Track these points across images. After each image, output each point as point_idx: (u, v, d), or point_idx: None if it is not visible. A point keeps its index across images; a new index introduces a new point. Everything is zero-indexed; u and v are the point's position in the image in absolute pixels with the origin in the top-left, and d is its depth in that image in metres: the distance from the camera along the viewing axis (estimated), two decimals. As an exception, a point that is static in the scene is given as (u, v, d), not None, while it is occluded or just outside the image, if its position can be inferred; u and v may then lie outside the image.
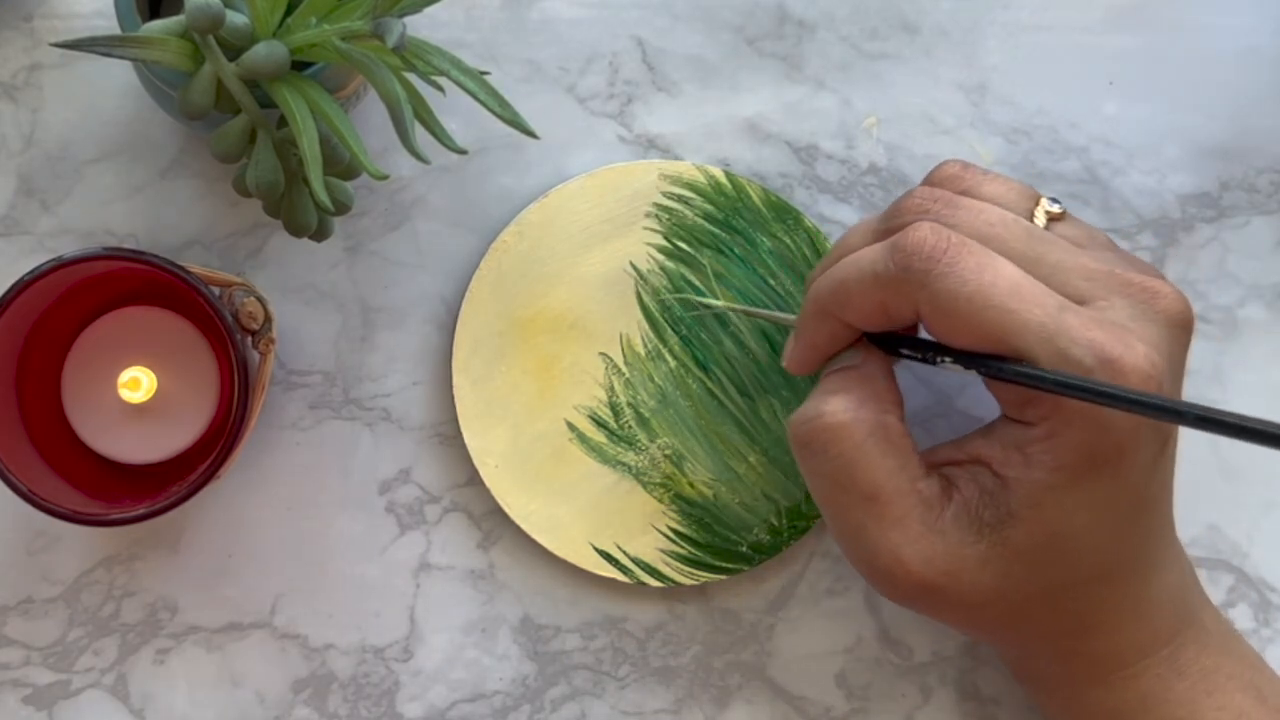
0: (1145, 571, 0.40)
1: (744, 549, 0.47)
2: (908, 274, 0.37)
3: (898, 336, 0.40)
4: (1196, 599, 0.42)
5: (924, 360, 0.39)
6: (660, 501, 0.47)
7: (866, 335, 0.41)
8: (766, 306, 0.47)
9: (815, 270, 0.43)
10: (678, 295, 0.47)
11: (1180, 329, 0.38)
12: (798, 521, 0.47)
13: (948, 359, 0.39)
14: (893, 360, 0.41)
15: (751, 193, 0.47)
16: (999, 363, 0.37)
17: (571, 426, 0.47)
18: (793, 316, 0.44)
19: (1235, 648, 0.41)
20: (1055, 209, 0.41)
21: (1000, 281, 0.37)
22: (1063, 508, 0.37)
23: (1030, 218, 0.40)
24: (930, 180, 0.42)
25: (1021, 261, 0.38)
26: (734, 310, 0.47)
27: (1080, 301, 0.38)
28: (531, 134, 0.39)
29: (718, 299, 0.47)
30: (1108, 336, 0.36)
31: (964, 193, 0.40)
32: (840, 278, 0.39)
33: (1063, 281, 0.38)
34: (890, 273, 0.38)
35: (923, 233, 0.37)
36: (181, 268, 0.40)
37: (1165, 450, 0.39)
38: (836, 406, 0.39)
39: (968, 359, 0.38)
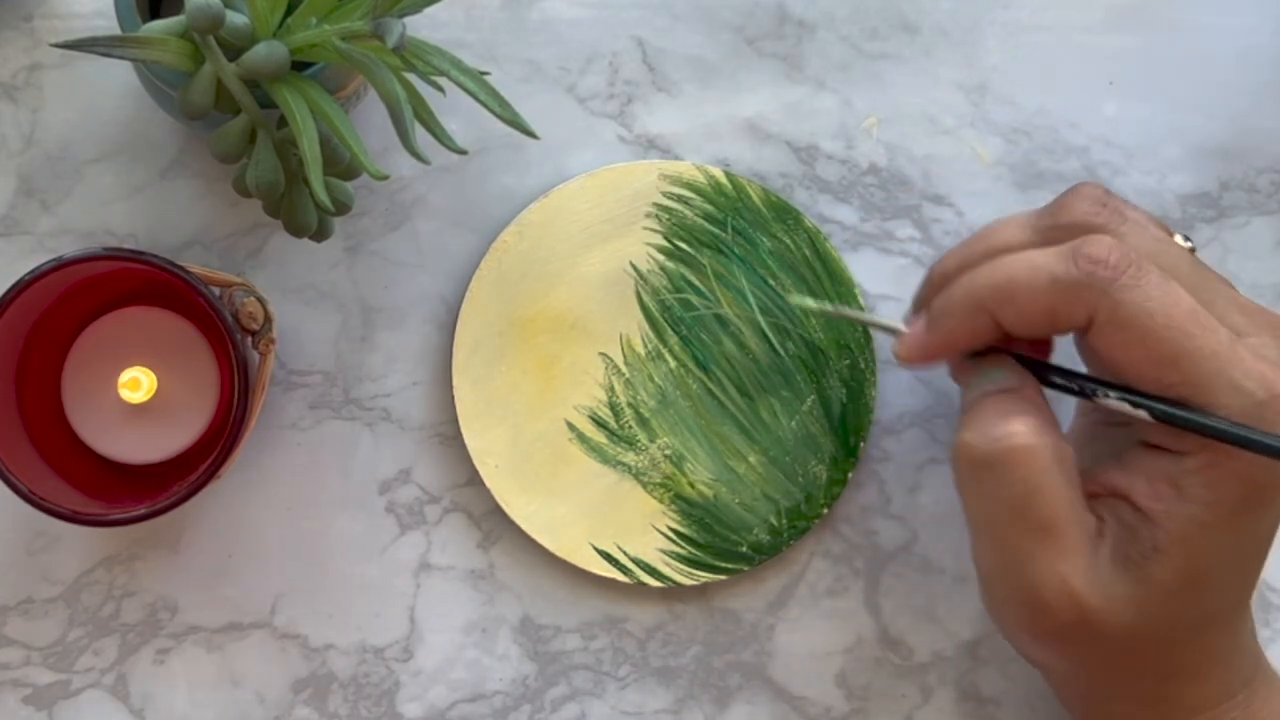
0: (1243, 616, 0.39)
1: (744, 549, 0.47)
2: (1091, 280, 0.36)
3: (1049, 365, 0.39)
4: (1259, 646, 0.41)
5: (1079, 393, 0.38)
6: (660, 501, 0.47)
7: (1018, 359, 0.40)
8: (766, 307, 0.47)
9: (949, 258, 0.41)
10: (795, 298, 0.46)
11: None
12: (798, 521, 0.47)
13: (1112, 394, 0.38)
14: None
15: (751, 193, 0.47)
16: (1171, 407, 0.36)
17: (571, 426, 0.47)
18: (897, 323, 0.42)
19: None
20: (1188, 245, 0.40)
21: (1182, 305, 0.36)
22: (1213, 543, 0.36)
23: None
24: (1073, 195, 0.40)
25: (1188, 285, 0.37)
26: (829, 313, 0.46)
27: (1236, 335, 0.37)
28: (531, 134, 0.39)
29: (719, 300, 0.47)
30: (1275, 373, 0.36)
31: (1117, 212, 0.39)
32: (1008, 274, 0.38)
33: (1221, 313, 0.37)
34: (1071, 277, 0.37)
35: (1108, 244, 0.37)
36: (181, 268, 0.40)
37: None
38: (1023, 428, 0.37)
39: (1136, 397, 0.37)
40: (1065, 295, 0.37)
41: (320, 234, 0.42)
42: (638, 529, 0.47)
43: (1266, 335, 0.37)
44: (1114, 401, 0.38)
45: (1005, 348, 0.40)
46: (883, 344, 0.48)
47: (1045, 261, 0.37)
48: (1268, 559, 0.39)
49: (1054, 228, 0.39)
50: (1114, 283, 0.36)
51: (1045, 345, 0.41)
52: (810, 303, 0.46)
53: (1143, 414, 0.37)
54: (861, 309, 0.47)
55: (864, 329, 0.47)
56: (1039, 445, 0.37)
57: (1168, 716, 0.40)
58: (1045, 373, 0.39)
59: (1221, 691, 0.39)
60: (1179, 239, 0.40)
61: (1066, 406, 0.43)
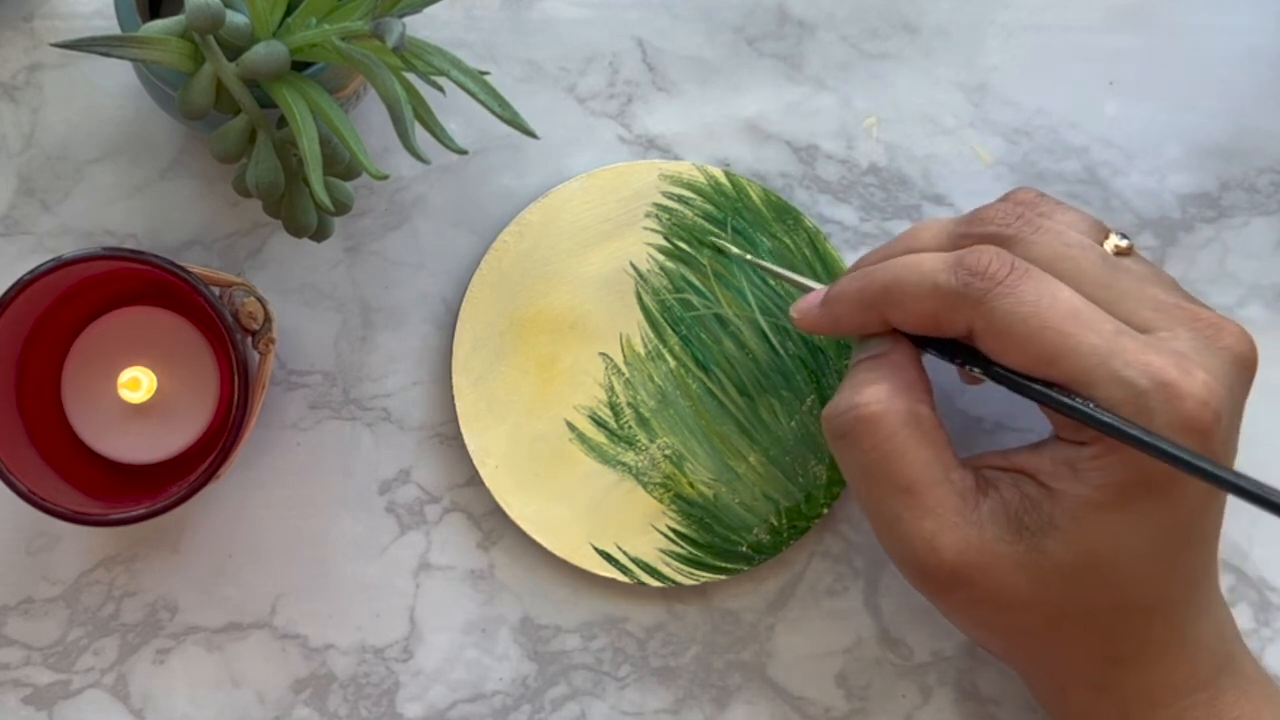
0: (1186, 610, 0.40)
1: (744, 549, 0.47)
2: (967, 290, 0.38)
3: (925, 337, 0.40)
4: (1237, 646, 0.41)
5: (951, 362, 0.40)
6: (660, 501, 0.47)
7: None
8: (766, 310, 0.47)
9: (871, 254, 0.43)
10: (713, 240, 0.47)
11: (1243, 368, 0.38)
12: (798, 521, 0.47)
13: (974, 367, 0.39)
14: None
15: (751, 193, 0.47)
16: (1025, 380, 0.38)
17: (571, 426, 0.47)
18: (811, 282, 0.44)
19: (1274, 696, 0.41)
20: (1123, 243, 0.41)
21: (1059, 305, 0.37)
22: (1107, 527, 0.37)
23: None
24: (1003, 201, 0.42)
25: (1093, 285, 0.38)
26: (758, 265, 0.46)
27: (1144, 330, 0.38)
28: (531, 134, 0.39)
29: (719, 300, 0.47)
30: (1166, 361, 0.36)
31: (1037, 217, 0.41)
32: (897, 276, 0.39)
33: (1130, 309, 0.38)
34: (950, 285, 0.38)
35: (989, 255, 0.38)
36: (181, 268, 0.40)
37: (1217, 491, 0.39)
38: (870, 397, 0.39)
39: (995, 370, 0.39)
40: (945, 303, 0.38)
41: (320, 234, 0.42)
42: (638, 529, 0.47)
43: (1181, 329, 0.38)
44: (977, 374, 0.39)
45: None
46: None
47: (931, 268, 0.39)
48: (1208, 555, 0.40)
49: (966, 235, 0.40)
50: (989, 292, 0.38)
51: None
52: (734, 250, 0.47)
53: (989, 380, 0.39)
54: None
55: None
56: (887, 410, 0.39)
57: (1126, 707, 0.40)
58: (922, 344, 0.41)
59: (1179, 685, 0.40)
60: (1115, 238, 0.41)
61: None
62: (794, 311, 0.43)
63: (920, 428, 0.39)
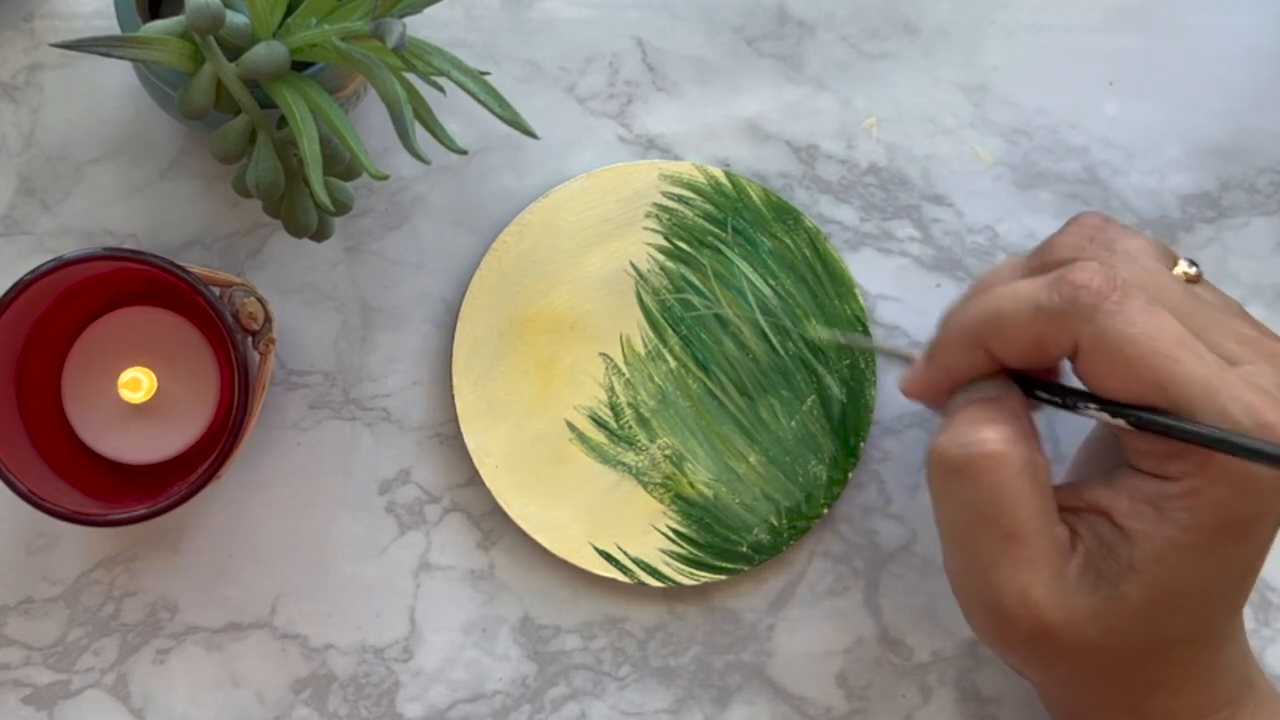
0: (1225, 637, 0.39)
1: (744, 549, 0.47)
2: (1074, 307, 0.36)
3: (1034, 379, 0.40)
4: (1252, 662, 0.41)
5: (1063, 406, 0.39)
6: (660, 501, 0.47)
7: (1010, 374, 0.40)
8: (766, 310, 0.47)
9: (952, 304, 0.42)
10: (814, 330, 0.46)
11: None
12: (798, 521, 0.47)
13: (1093, 405, 0.38)
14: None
15: (751, 193, 0.47)
16: (1149, 414, 0.36)
17: (571, 426, 0.47)
18: (912, 350, 0.43)
19: None
20: (1192, 271, 0.40)
21: (1168, 329, 0.36)
22: (1187, 569, 0.37)
23: None
24: (1071, 227, 0.41)
25: (1177, 315, 0.37)
26: (855, 346, 0.46)
27: (1231, 363, 0.37)
28: (531, 134, 0.39)
29: (719, 300, 0.47)
30: (1263, 402, 0.36)
31: (1109, 242, 0.40)
32: (995, 307, 0.38)
33: (1215, 341, 0.37)
34: (1054, 304, 0.37)
35: (1091, 269, 0.37)
36: (181, 268, 0.40)
37: None
38: (995, 436, 0.38)
39: (1115, 408, 0.37)
40: (1050, 322, 0.37)
41: (320, 234, 0.42)
42: (638, 529, 0.47)
43: (1264, 364, 0.37)
44: (1094, 412, 0.38)
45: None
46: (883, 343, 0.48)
47: (1031, 290, 0.38)
48: (1258, 575, 0.39)
49: (1044, 265, 0.39)
50: (1097, 309, 0.36)
51: (1053, 374, 0.41)
52: (825, 334, 0.46)
53: (1121, 422, 0.37)
54: (862, 309, 0.47)
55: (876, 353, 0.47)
56: (1009, 453, 0.37)
57: None
58: (1031, 386, 0.40)
59: (1205, 706, 0.39)
60: (1184, 264, 0.40)
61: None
62: (902, 385, 0.41)
63: (1036, 476, 0.38)
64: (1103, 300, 0.36)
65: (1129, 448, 0.38)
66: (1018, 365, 0.39)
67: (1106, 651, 0.38)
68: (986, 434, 0.38)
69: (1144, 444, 0.37)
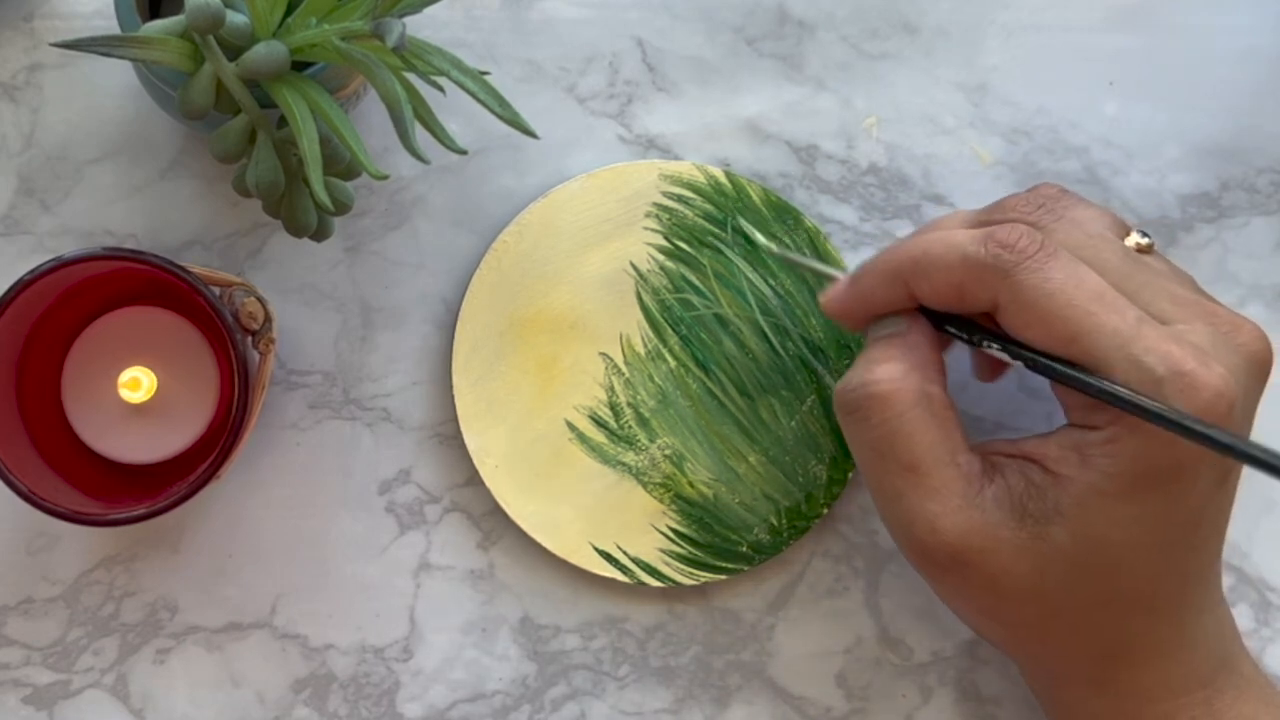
0: (1188, 608, 0.40)
1: (744, 549, 0.47)
2: (996, 261, 0.38)
3: (946, 314, 0.41)
4: (1235, 646, 0.41)
5: (969, 341, 0.40)
6: (660, 501, 0.47)
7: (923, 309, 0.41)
8: (766, 310, 0.47)
9: (893, 243, 0.43)
10: (753, 231, 0.47)
11: (1259, 366, 0.39)
12: (798, 521, 0.47)
13: (993, 344, 0.39)
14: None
15: (751, 193, 0.47)
16: (1039, 355, 0.38)
17: (571, 426, 0.47)
18: (837, 271, 0.44)
19: (1273, 697, 0.41)
20: (1144, 241, 0.41)
21: (1085, 286, 0.37)
22: (1111, 516, 0.37)
23: None
24: (1026, 193, 0.42)
25: (1114, 275, 0.38)
26: (776, 255, 0.46)
27: (1163, 322, 0.38)
28: (531, 134, 0.39)
29: (719, 300, 0.47)
30: (1184, 352, 0.36)
31: (1059, 210, 0.41)
32: (926, 248, 0.39)
33: (1148, 300, 0.38)
34: (979, 258, 0.38)
35: (1020, 230, 0.38)
36: (181, 268, 0.40)
37: (1225, 482, 0.39)
38: (883, 375, 0.39)
39: (1014, 348, 0.39)
40: (972, 274, 0.38)
41: (320, 234, 0.42)
42: (638, 529, 0.47)
43: (1198, 323, 0.38)
44: (995, 351, 0.39)
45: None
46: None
47: (960, 240, 0.39)
48: (1211, 553, 0.40)
49: (988, 221, 0.41)
50: (1018, 265, 0.38)
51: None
52: (763, 241, 0.47)
53: (1020, 364, 0.39)
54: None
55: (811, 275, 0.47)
56: (899, 389, 0.39)
57: (1121, 704, 0.40)
58: (941, 321, 0.41)
59: (1177, 684, 0.40)
60: (1135, 235, 0.41)
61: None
62: (822, 297, 0.43)
63: (930, 408, 0.39)
64: (1024, 258, 0.38)
65: (1061, 400, 0.40)
66: (937, 308, 0.40)
67: (1052, 601, 0.39)
68: (876, 374, 0.39)
69: (1073, 396, 0.39)
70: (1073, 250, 0.39)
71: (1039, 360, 0.38)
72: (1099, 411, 0.38)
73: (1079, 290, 0.37)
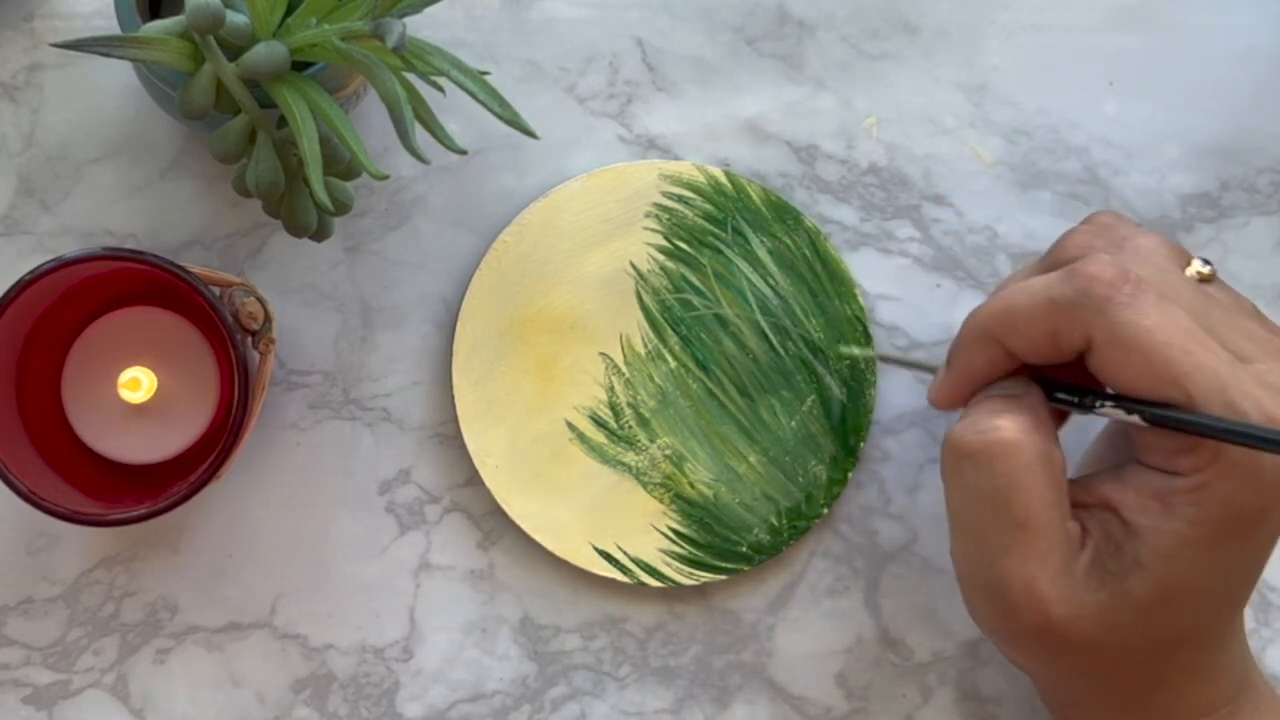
0: (1227, 635, 0.39)
1: (744, 549, 0.47)
2: (1087, 299, 0.36)
3: (1055, 381, 0.40)
4: (1251, 662, 0.41)
5: (1080, 406, 0.39)
6: (660, 501, 0.47)
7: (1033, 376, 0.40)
8: (766, 310, 0.47)
9: (974, 310, 0.42)
10: (844, 349, 0.47)
11: None
12: (798, 521, 0.47)
13: (1109, 403, 0.38)
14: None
15: (751, 193, 0.47)
16: (1165, 410, 0.36)
17: (571, 426, 0.47)
18: (938, 364, 0.43)
19: None
20: (1206, 270, 0.40)
21: (1180, 323, 0.36)
22: (1192, 563, 0.37)
23: None
24: (1084, 225, 0.41)
25: (1189, 312, 0.37)
26: (885, 361, 0.47)
27: (1240, 360, 0.37)
28: (531, 134, 0.39)
29: (719, 300, 0.47)
30: (1272, 398, 0.36)
31: (1120, 240, 0.40)
32: (1009, 303, 0.38)
33: (1225, 338, 0.37)
34: (1067, 297, 0.37)
35: (1103, 263, 0.37)
36: (181, 268, 0.40)
37: None
38: (1010, 424, 0.38)
39: (1131, 404, 0.37)
40: (1063, 315, 0.37)
41: (320, 234, 0.42)
42: (638, 529, 0.47)
43: (1274, 362, 0.37)
44: (1110, 410, 0.38)
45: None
46: (883, 344, 0.48)
47: (1043, 284, 0.38)
48: (1260, 575, 0.39)
49: (1056, 262, 0.40)
50: (1109, 300, 0.36)
51: (1072, 374, 0.41)
52: (856, 350, 0.47)
53: (1135, 419, 0.37)
54: (862, 309, 0.47)
55: (902, 365, 0.47)
56: (1024, 442, 0.37)
57: None
58: (1051, 387, 0.40)
59: (1204, 704, 0.39)
60: (1197, 264, 0.40)
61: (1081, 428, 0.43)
62: (930, 398, 0.42)
63: (1050, 469, 0.38)
64: (1115, 292, 0.36)
65: (1139, 443, 0.38)
66: (1034, 360, 0.39)
67: (1110, 648, 0.38)
68: (1003, 421, 0.38)
69: (1154, 439, 0.37)
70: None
71: (1158, 414, 0.36)
72: (1185, 457, 0.36)
73: (1174, 328, 0.36)
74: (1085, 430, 0.45)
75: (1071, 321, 0.37)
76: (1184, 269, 0.40)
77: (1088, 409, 0.38)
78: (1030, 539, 0.37)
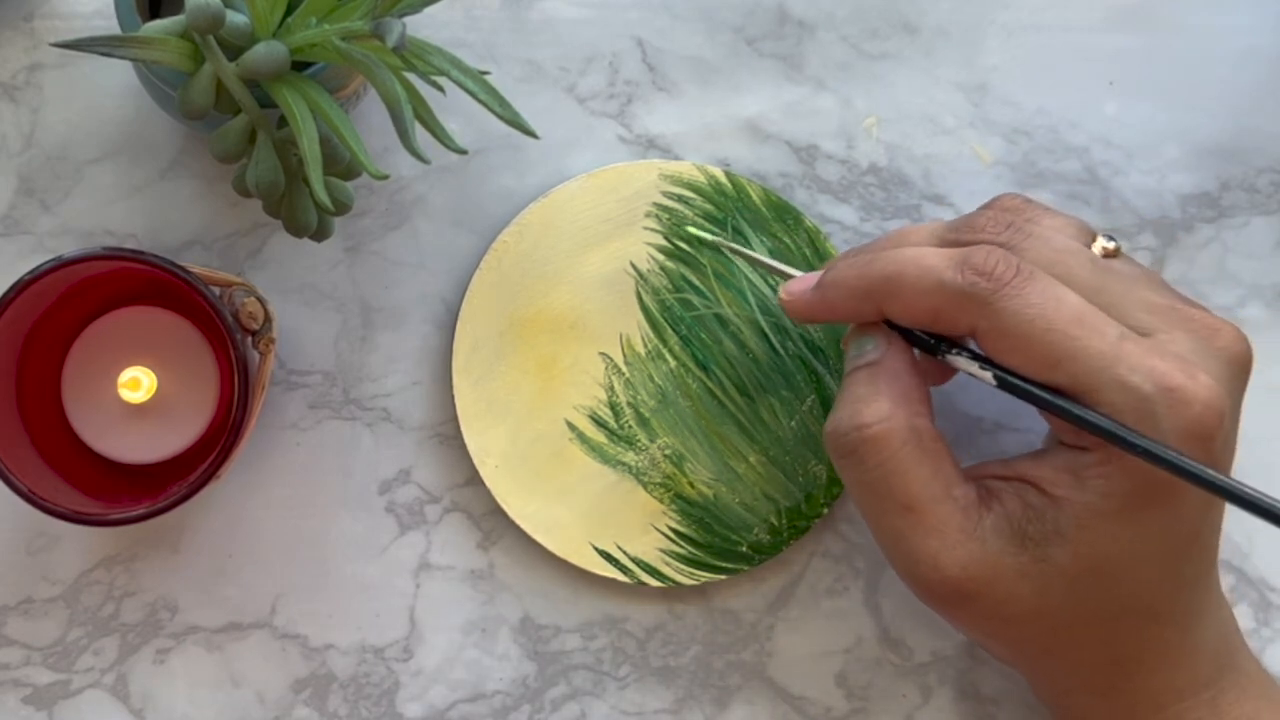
0: (1189, 614, 0.40)
1: (744, 549, 0.47)
2: (973, 290, 0.37)
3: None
4: (1237, 645, 0.41)
5: (932, 350, 0.40)
6: (660, 501, 0.47)
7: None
8: (766, 310, 0.47)
9: (859, 248, 0.43)
10: (708, 234, 0.46)
11: (1240, 368, 0.38)
12: (798, 521, 0.47)
13: (962, 354, 0.39)
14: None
15: (751, 193, 0.47)
16: (1017, 377, 0.37)
17: (571, 426, 0.47)
18: (790, 268, 0.44)
19: (1275, 694, 0.41)
20: (1110, 245, 0.41)
21: (1064, 309, 0.37)
22: (1112, 534, 0.37)
23: None
24: (990, 209, 0.41)
25: (1085, 291, 0.38)
26: (735, 251, 0.46)
27: (1142, 334, 0.38)
28: (531, 134, 0.39)
29: (719, 300, 0.47)
30: (1170, 366, 0.36)
31: (1024, 223, 0.40)
32: (900, 269, 0.39)
33: (1125, 313, 0.38)
34: (956, 285, 0.38)
35: (996, 256, 0.38)
36: (181, 268, 0.40)
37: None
38: (871, 416, 0.39)
39: (984, 361, 0.38)
40: (949, 301, 0.38)
41: (320, 234, 0.42)
42: (638, 529, 0.47)
43: (1178, 331, 0.38)
44: (961, 359, 0.39)
45: None
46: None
47: (936, 263, 0.38)
48: (1208, 558, 0.40)
49: (958, 240, 0.40)
50: (996, 293, 0.37)
51: None
52: (706, 235, 0.47)
53: (988, 376, 0.38)
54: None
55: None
56: (888, 430, 0.39)
57: (1128, 710, 0.40)
58: (910, 332, 0.40)
59: (1182, 688, 0.40)
60: (1102, 240, 0.41)
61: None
62: (784, 293, 0.42)
63: (920, 444, 0.39)
64: (1001, 285, 0.37)
65: (1051, 422, 0.39)
66: (906, 326, 0.40)
67: (1054, 619, 0.39)
68: (864, 416, 0.39)
69: (1060, 420, 0.38)
70: (1045, 268, 0.38)
71: (1011, 379, 0.38)
72: (1087, 433, 0.37)
73: (1059, 314, 0.37)
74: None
75: (957, 309, 0.38)
76: (1090, 246, 0.40)
77: (939, 354, 0.40)
78: (920, 518, 0.39)
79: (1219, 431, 0.36)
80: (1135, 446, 0.36)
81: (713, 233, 0.47)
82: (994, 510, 0.39)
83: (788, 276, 0.44)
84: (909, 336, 0.40)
